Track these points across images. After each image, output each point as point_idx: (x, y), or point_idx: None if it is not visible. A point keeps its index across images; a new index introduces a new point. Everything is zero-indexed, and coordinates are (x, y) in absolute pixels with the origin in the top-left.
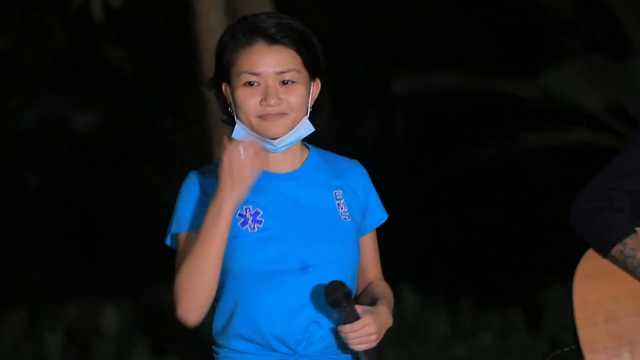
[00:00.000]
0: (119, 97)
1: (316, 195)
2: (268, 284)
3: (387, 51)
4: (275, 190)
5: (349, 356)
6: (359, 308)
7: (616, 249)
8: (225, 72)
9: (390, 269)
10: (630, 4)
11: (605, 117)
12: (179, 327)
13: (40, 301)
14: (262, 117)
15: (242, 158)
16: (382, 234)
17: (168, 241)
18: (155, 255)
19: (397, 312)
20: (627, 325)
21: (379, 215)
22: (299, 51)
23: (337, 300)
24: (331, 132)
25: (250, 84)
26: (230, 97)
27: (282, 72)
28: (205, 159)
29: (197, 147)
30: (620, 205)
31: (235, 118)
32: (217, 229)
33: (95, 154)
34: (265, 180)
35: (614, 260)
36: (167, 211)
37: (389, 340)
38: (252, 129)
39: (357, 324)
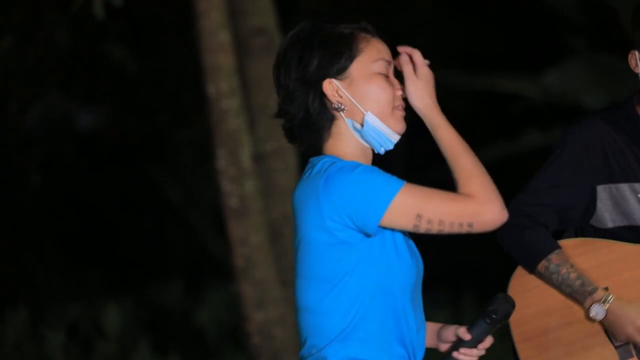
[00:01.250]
0: (123, 96)
1: None
2: (415, 292)
3: (391, 50)
4: None
5: None
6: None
7: (541, 265)
8: (340, 65)
9: None
10: (633, 2)
11: None
12: (181, 326)
13: (43, 300)
14: (397, 108)
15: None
16: None
17: (398, 186)
18: (158, 255)
19: None
20: (561, 337)
21: None
22: None
23: (504, 316)
24: None
25: (384, 73)
26: (344, 92)
27: (393, 69)
28: (208, 158)
29: (201, 146)
30: (545, 221)
31: (363, 110)
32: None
33: (99, 153)
34: None
35: (540, 276)
36: (171, 210)
37: None
38: (384, 122)
39: (487, 343)
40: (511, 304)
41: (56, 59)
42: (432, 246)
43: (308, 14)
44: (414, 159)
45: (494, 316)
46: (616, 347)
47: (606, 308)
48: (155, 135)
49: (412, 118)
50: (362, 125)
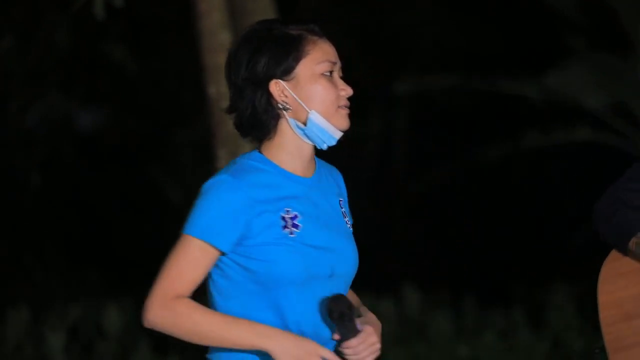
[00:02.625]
0: (123, 96)
1: (330, 202)
2: (302, 289)
3: (391, 51)
4: (306, 196)
5: None
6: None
7: (632, 242)
8: (286, 66)
9: (393, 268)
10: (633, 2)
11: (609, 117)
12: None
13: (43, 300)
14: (341, 107)
15: None
16: (386, 233)
17: (185, 230)
18: (159, 255)
19: (400, 311)
20: None
21: (350, 221)
22: None
23: (344, 314)
24: None
25: (329, 74)
26: (290, 92)
27: (341, 68)
28: (209, 158)
29: (201, 146)
30: (637, 205)
31: (307, 109)
32: (243, 344)
33: (99, 153)
34: (300, 185)
35: (632, 254)
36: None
37: (392, 339)
38: (328, 120)
39: (362, 336)
40: (344, 304)
41: (56, 59)
42: (432, 248)
43: (308, 13)
44: (415, 159)
45: (334, 316)
46: None
47: None
48: (155, 135)
49: (412, 118)
50: (306, 124)
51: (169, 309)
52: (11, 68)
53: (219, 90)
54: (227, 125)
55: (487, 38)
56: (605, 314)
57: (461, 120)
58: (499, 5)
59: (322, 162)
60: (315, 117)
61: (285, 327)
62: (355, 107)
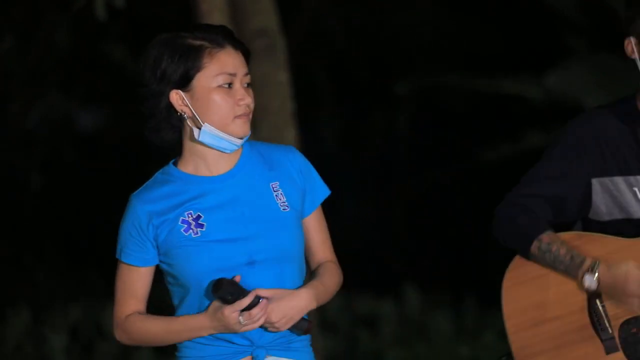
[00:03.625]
0: (123, 96)
1: (253, 191)
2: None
3: (392, 50)
4: (213, 193)
5: (304, 340)
6: (264, 292)
7: (534, 246)
8: (184, 77)
9: (394, 268)
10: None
11: None
12: None
13: (43, 300)
14: (238, 117)
15: (241, 323)
16: (386, 233)
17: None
18: None
19: (400, 311)
20: (553, 329)
21: (320, 192)
22: (246, 58)
23: (227, 300)
24: (336, 132)
25: (227, 85)
26: (188, 102)
27: (247, 74)
28: None
29: None
30: (536, 211)
31: (201, 121)
32: (188, 337)
33: (99, 153)
34: (204, 185)
35: (535, 258)
36: None
37: (392, 339)
38: (224, 130)
39: (252, 312)
40: (225, 290)
41: (56, 59)
42: (432, 248)
43: (309, 13)
44: (415, 159)
45: (221, 301)
46: (603, 341)
47: (596, 276)
48: None
49: (412, 118)
50: (200, 134)
51: (123, 330)
52: (11, 68)
53: None
54: None
55: (487, 38)
56: (511, 323)
57: (461, 120)
58: (499, 5)
59: (266, 148)
60: (208, 129)
61: None
62: (357, 107)
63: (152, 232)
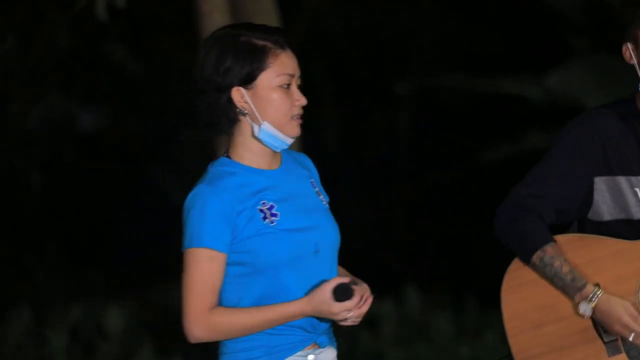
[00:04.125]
0: (123, 96)
1: (303, 186)
2: (290, 269)
3: (392, 50)
4: (277, 186)
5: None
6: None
7: (536, 256)
8: (249, 75)
9: (394, 268)
10: (635, 2)
11: None
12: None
13: (44, 300)
14: (294, 117)
15: (348, 318)
16: (386, 233)
17: (187, 246)
18: (160, 256)
19: (401, 311)
20: (554, 331)
21: (324, 198)
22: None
23: (342, 299)
24: (336, 132)
25: (286, 86)
26: (249, 99)
27: (300, 77)
28: (210, 158)
29: (203, 147)
30: (541, 212)
31: (260, 119)
32: (280, 322)
33: (99, 153)
34: (269, 177)
35: (535, 268)
36: (172, 211)
37: (392, 339)
38: (280, 128)
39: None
40: (347, 294)
41: (57, 59)
42: (432, 248)
43: (309, 13)
44: (415, 159)
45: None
46: (605, 343)
47: (593, 306)
48: (156, 135)
49: (413, 118)
50: (260, 131)
51: (207, 325)
52: (11, 68)
53: None
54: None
55: (488, 38)
56: (511, 326)
57: (461, 120)
58: (500, 5)
59: (290, 151)
60: (267, 127)
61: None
62: (358, 107)
63: (234, 218)
